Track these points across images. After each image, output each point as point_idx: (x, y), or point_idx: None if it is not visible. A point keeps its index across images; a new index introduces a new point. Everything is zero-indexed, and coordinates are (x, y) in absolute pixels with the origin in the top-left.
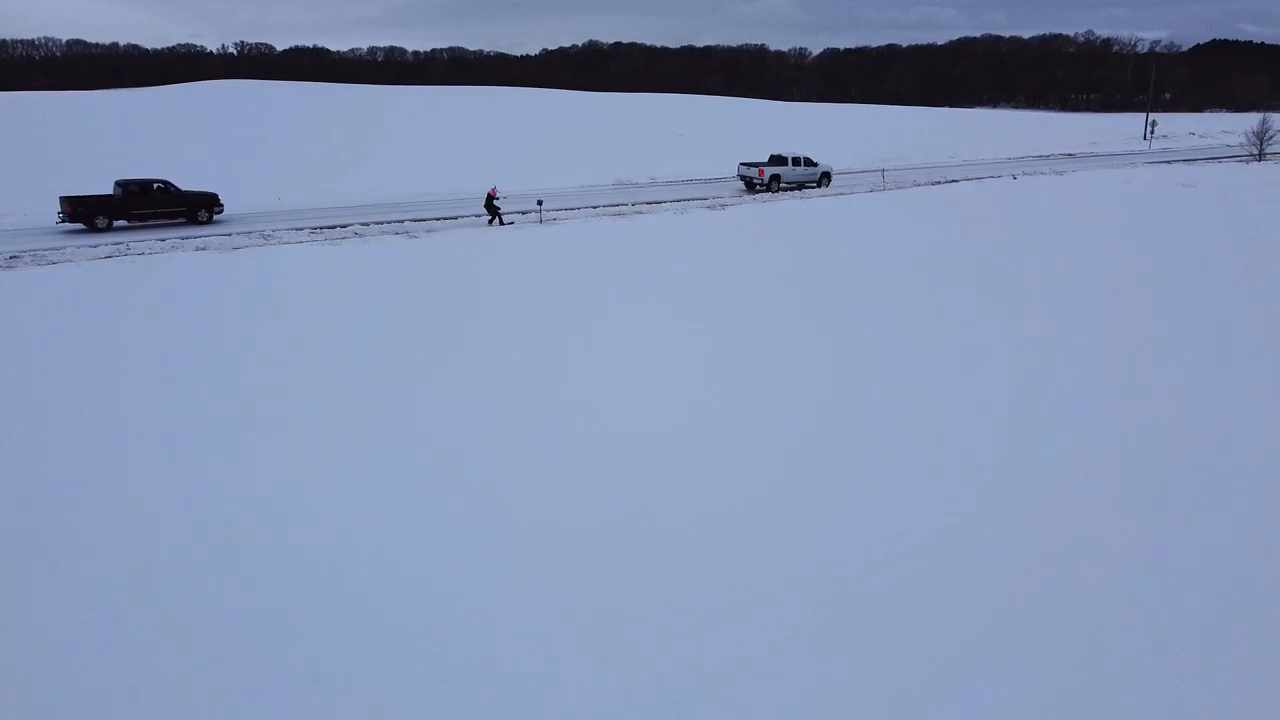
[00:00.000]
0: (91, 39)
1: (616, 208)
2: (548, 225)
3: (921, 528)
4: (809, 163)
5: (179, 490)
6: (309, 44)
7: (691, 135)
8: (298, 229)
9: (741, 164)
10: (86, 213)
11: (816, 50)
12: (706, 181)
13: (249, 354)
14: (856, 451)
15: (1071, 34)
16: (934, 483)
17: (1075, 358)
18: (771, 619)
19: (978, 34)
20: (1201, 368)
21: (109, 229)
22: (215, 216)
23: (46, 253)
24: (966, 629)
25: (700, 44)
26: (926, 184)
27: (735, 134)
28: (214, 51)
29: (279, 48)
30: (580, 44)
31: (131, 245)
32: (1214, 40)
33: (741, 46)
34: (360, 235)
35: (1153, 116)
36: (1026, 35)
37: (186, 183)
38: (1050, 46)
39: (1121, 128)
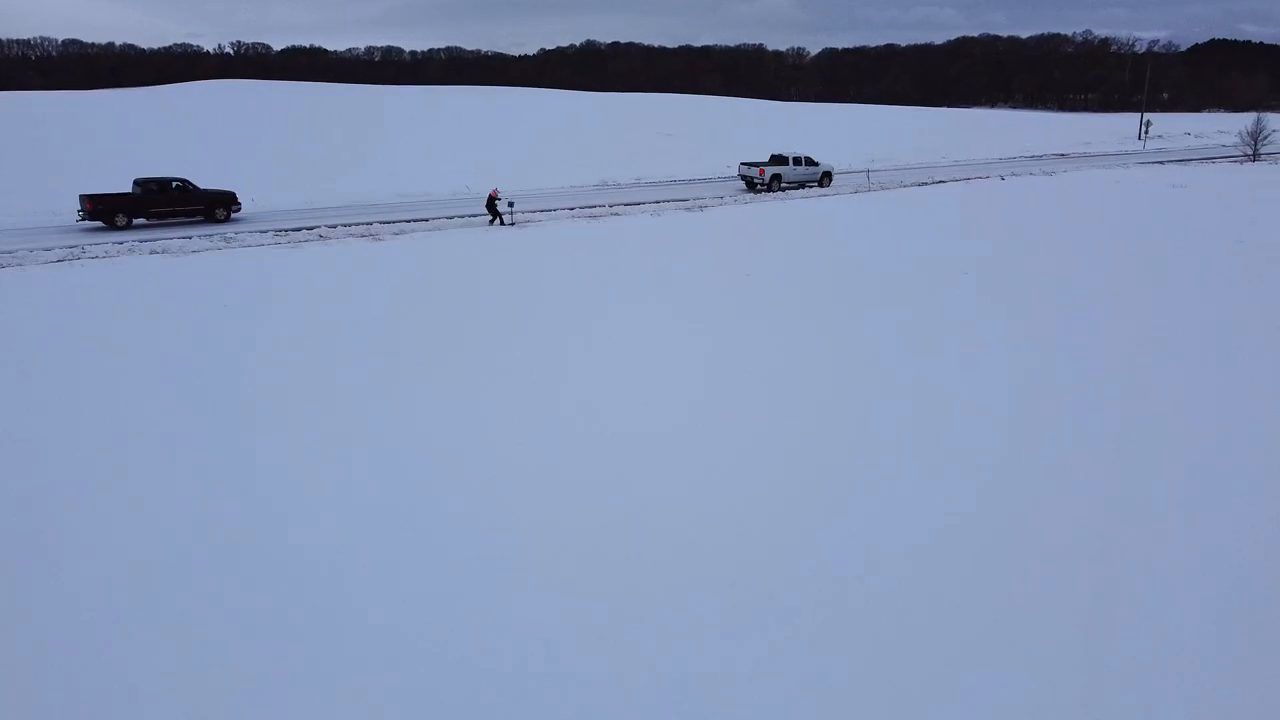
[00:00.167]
0: (90, 39)
1: (592, 209)
2: (520, 228)
3: (921, 528)
4: (810, 162)
5: (179, 490)
6: (306, 44)
7: (682, 135)
8: (263, 231)
9: (742, 164)
10: (106, 211)
11: (815, 50)
12: (689, 183)
13: (246, 354)
14: (856, 451)
15: (1070, 34)
16: (934, 482)
17: (1072, 358)
18: (772, 619)
19: (976, 34)
20: (1195, 368)
21: (128, 227)
22: (233, 215)
23: (13, 253)
24: (966, 629)
25: (699, 44)
26: (913, 185)
27: (731, 134)
28: (210, 51)
29: (276, 48)
30: (578, 44)
31: (88, 249)
32: (1213, 40)
33: (739, 46)
34: (324, 238)
35: (1148, 116)
36: (1025, 35)
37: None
38: (1048, 46)
39: (1117, 128)
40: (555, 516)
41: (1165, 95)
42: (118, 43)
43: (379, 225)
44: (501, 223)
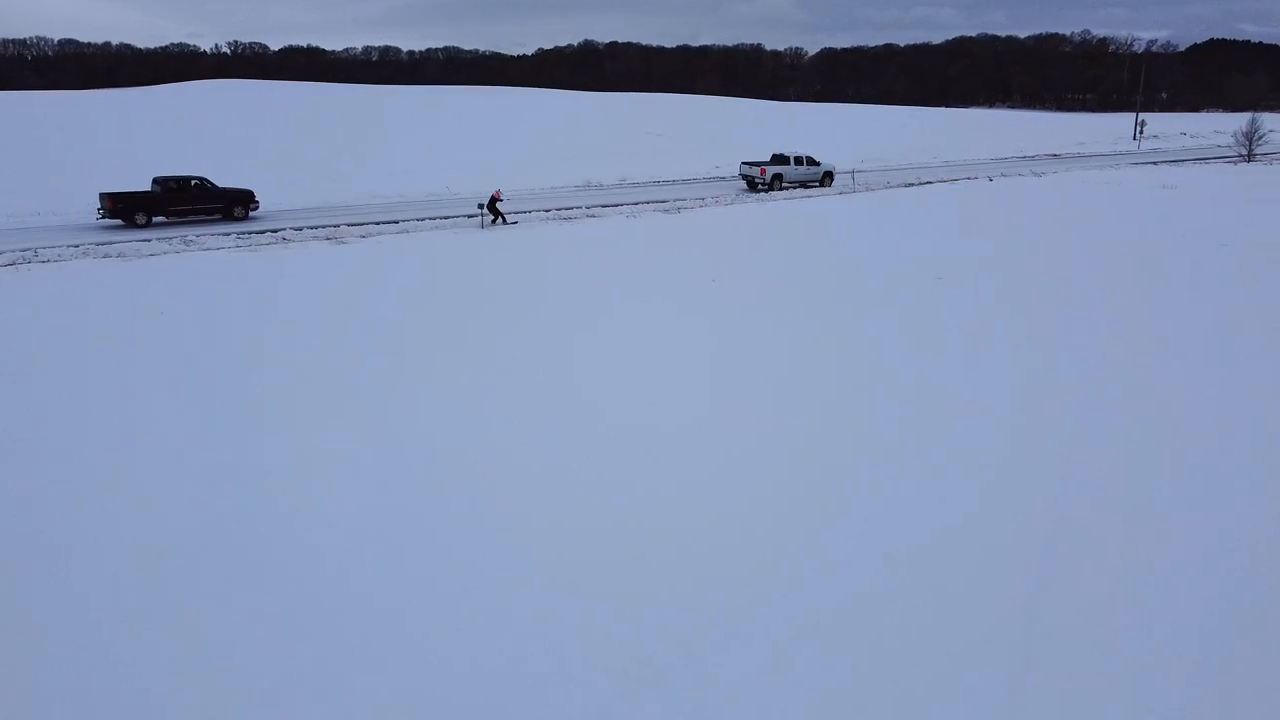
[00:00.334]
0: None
1: (568, 211)
2: (488, 230)
3: (924, 527)
4: (811, 162)
5: (186, 489)
6: (303, 43)
7: (674, 135)
8: (225, 234)
9: (743, 163)
10: (126, 209)
11: (813, 50)
12: (673, 184)
13: (252, 353)
14: (859, 450)
15: (1068, 34)
16: (936, 482)
17: (1069, 358)
18: (776, 618)
19: (974, 34)
20: (1192, 368)
21: (148, 225)
22: (251, 213)
23: None
24: (969, 629)
25: (697, 44)
26: (900, 185)
27: (726, 134)
28: (207, 51)
29: (274, 47)
30: (576, 44)
31: (40, 251)
32: (1211, 39)
33: (737, 46)
34: (288, 240)
35: (1142, 116)
36: (1023, 35)
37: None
38: (1046, 46)
39: (1112, 128)
40: (561, 516)
41: (1164, 95)
42: (114, 42)
43: (345, 228)
44: (504, 222)
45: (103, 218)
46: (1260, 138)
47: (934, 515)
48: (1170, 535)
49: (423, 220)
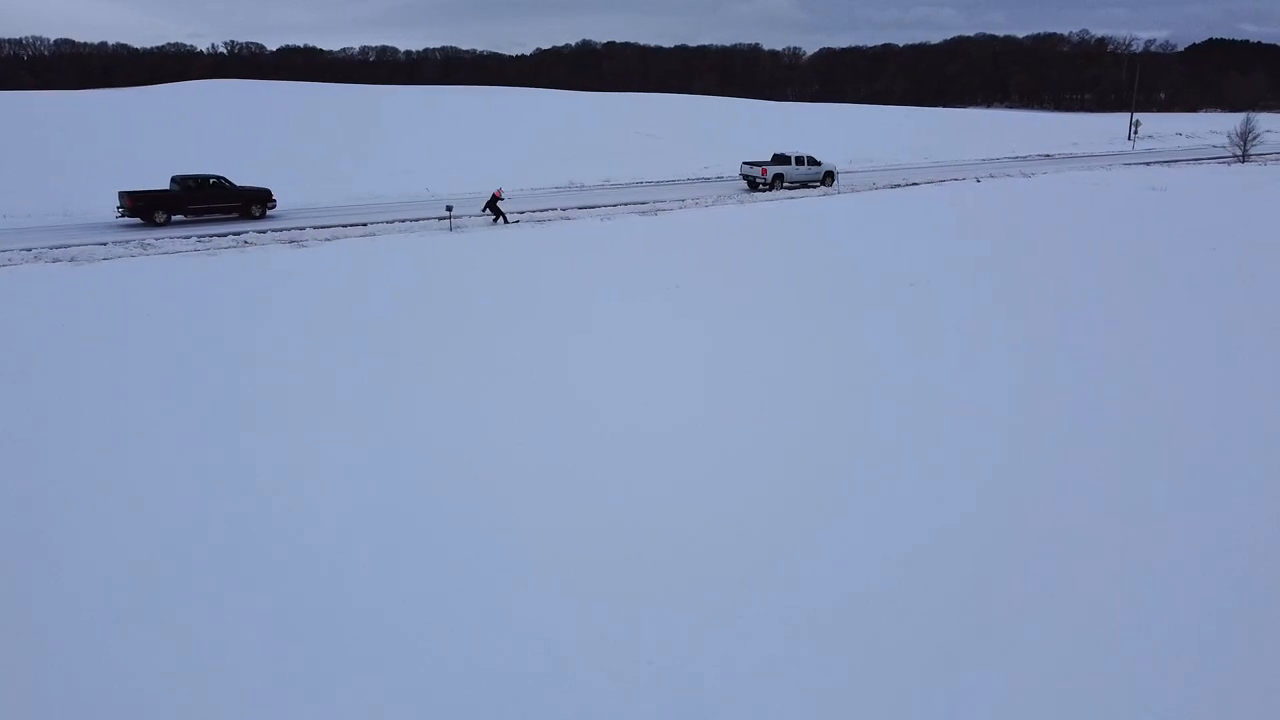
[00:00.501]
0: (86, 38)
1: (543, 213)
2: (457, 232)
3: (922, 527)
4: (812, 162)
5: (179, 490)
6: (301, 43)
7: (668, 135)
8: (185, 237)
9: (744, 163)
10: (145, 207)
11: (811, 50)
12: (659, 184)
13: (245, 352)
14: (856, 450)
15: (1066, 33)
16: (933, 482)
17: (1065, 359)
18: (773, 619)
19: (973, 34)
20: (1189, 369)
21: (167, 223)
22: (269, 212)
23: None
24: (967, 629)
25: (695, 44)
26: (885, 187)
27: (722, 134)
28: (204, 51)
29: (271, 47)
30: (574, 44)
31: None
32: (1210, 39)
33: (735, 46)
34: (250, 243)
35: (1137, 116)
36: (1022, 35)
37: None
38: (1044, 46)
39: (1108, 128)
40: (556, 517)
41: (1162, 95)
42: (110, 42)
43: (311, 230)
44: (505, 221)
45: (121, 215)
46: (1255, 138)
47: (932, 515)
48: (1168, 535)
49: (404, 220)
